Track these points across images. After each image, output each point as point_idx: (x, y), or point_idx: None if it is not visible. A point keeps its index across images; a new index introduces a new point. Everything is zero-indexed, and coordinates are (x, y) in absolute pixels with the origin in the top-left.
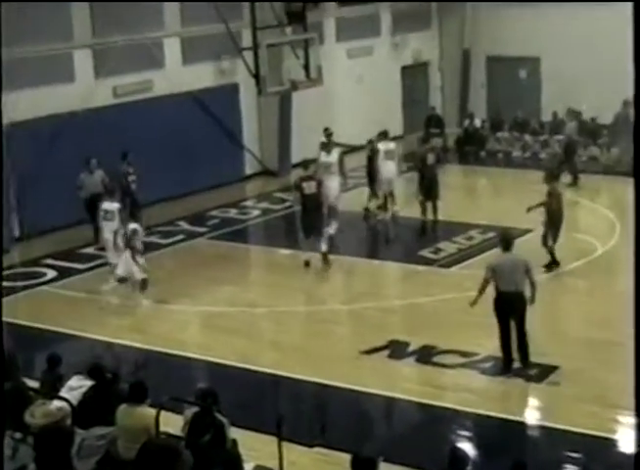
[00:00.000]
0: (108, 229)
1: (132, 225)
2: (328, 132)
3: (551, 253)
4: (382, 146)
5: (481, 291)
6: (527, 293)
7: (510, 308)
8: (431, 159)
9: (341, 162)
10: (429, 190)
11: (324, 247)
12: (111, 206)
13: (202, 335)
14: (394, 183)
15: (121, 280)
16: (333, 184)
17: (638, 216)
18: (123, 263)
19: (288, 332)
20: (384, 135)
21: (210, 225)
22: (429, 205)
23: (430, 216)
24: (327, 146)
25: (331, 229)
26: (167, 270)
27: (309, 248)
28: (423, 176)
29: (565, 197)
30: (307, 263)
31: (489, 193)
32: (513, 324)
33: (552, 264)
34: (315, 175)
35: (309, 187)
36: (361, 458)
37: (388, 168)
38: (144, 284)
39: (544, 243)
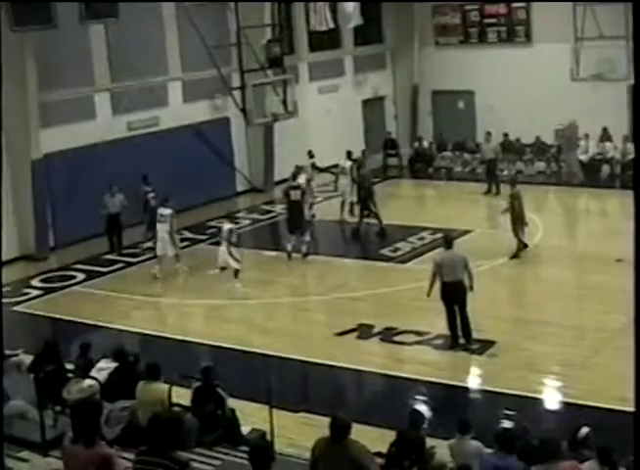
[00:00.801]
0: (162, 229)
1: (228, 225)
2: (311, 154)
3: (520, 241)
4: (349, 164)
5: (432, 283)
6: (467, 282)
7: (453, 295)
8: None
9: (308, 184)
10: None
11: (304, 248)
12: (164, 211)
13: (205, 323)
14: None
15: (222, 269)
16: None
17: (638, 219)
18: (221, 256)
19: (275, 319)
20: (349, 154)
21: (209, 233)
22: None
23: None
24: (299, 171)
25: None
26: (175, 271)
27: (292, 242)
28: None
29: (497, 204)
30: (290, 255)
31: (437, 202)
32: (457, 308)
33: (519, 251)
34: (301, 186)
35: (295, 195)
36: (339, 420)
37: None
38: (236, 273)
39: (515, 235)
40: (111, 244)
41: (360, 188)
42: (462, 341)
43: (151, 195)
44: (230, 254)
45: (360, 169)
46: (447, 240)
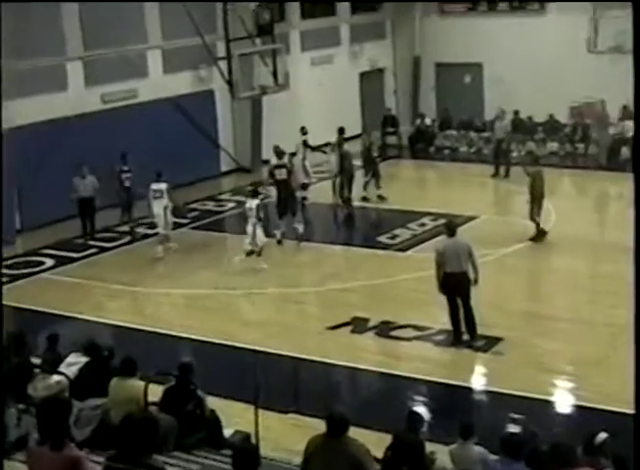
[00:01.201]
0: (158, 205)
1: (255, 201)
2: (304, 131)
3: (537, 225)
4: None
5: (439, 273)
6: (471, 274)
7: (456, 287)
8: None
9: (302, 164)
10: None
11: (300, 228)
12: (159, 186)
13: (186, 315)
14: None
15: (249, 253)
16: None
17: (638, 214)
18: (249, 237)
19: (263, 311)
20: (341, 131)
21: (191, 217)
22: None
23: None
24: (278, 151)
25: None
26: (154, 257)
27: (281, 227)
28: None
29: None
30: (280, 242)
31: (439, 184)
32: (460, 301)
33: (538, 236)
34: (286, 164)
35: (280, 174)
36: (336, 415)
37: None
38: (261, 251)
39: (531, 217)
40: (84, 228)
41: (342, 169)
42: (466, 337)
43: (126, 175)
44: (255, 234)
45: (340, 148)
46: (450, 227)
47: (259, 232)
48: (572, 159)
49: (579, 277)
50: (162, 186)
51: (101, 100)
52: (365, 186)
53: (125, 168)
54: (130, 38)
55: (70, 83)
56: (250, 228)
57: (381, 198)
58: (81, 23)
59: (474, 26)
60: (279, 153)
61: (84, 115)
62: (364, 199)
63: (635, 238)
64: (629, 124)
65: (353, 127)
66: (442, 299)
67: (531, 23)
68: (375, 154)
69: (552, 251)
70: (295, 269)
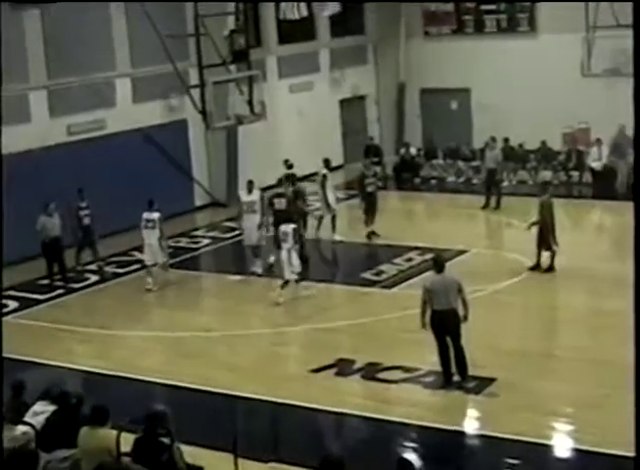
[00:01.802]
0: (150, 236)
1: (290, 225)
2: (288, 164)
3: (552, 255)
4: (328, 174)
5: (424, 311)
6: (461, 311)
7: (445, 326)
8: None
9: (262, 201)
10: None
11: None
12: (151, 215)
13: (159, 359)
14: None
15: (285, 283)
16: (251, 224)
17: (638, 223)
18: (284, 264)
19: (241, 354)
20: (327, 163)
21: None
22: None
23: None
24: (250, 186)
25: (256, 267)
26: (124, 299)
27: (271, 260)
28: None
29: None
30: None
31: (426, 217)
32: (450, 340)
33: (552, 263)
34: (286, 193)
35: (280, 203)
36: (331, 458)
37: (334, 195)
38: (285, 284)
39: (543, 249)
40: (49, 269)
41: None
42: (456, 378)
43: (84, 212)
44: (290, 260)
45: (294, 184)
46: (438, 262)
47: (295, 258)
48: (567, 187)
49: (577, 313)
50: (155, 216)
51: (67, 131)
52: (367, 222)
53: (83, 205)
54: (97, 65)
55: (34, 114)
56: (284, 254)
57: (374, 235)
58: (45, 49)
59: (460, 50)
60: (250, 188)
61: (49, 147)
62: (372, 235)
63: (635, 247)
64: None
65: (335, 158)
66: (431, 338)
67: (521, 45)
68: (373, 185)
69: (548, 285)
70: (273, 309)
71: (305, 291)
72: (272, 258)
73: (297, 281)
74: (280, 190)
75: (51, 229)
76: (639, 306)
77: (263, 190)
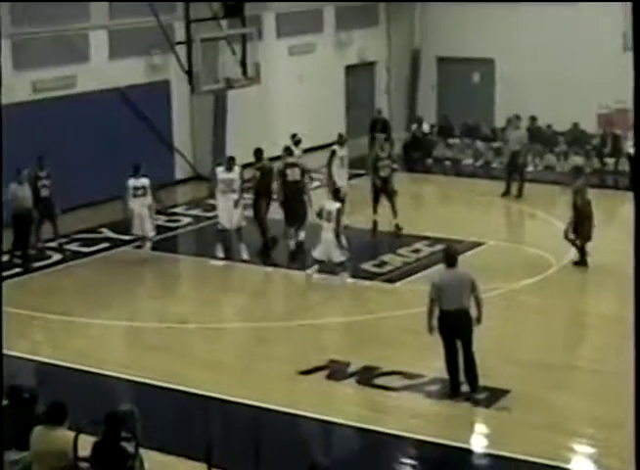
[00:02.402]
0: (139, 204)
1: (335, 204)
2: (296, 139)
3: (582, 249)
4: (339, 150)
5: (431, 311)
6: (474, 312)
7: (455, 328)
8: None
9: (241, 179)
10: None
11: (300, 236)
12: (139, 181)
13: (126, 352)
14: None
15: (320, 262)
16: (229, 205)
17: (638, 219)
18: (323, 245)
19: (220, 350)
20: (340, 138)
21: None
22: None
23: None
24: (230, 162)
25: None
26: (89, 281)
27: (294, 238)
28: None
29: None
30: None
31: (437, 203)
32: (460, 345)
33: (580, 262)
34: (299, 163)
35: (293, 174)
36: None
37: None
38: (342, 265)
39: (574, 240)
40: (16, 243)
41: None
42: (465, 388)
43: (43, 182)
44: (339, 242)
45: (259, 162)
46: (449, 255)
47: (344, 239)
48: (600, 176)
49: (605, 319)
50: (144, 182)
51: (32, 88)
52: (375, 208)
53: (42, 174)
54: (69, 15)
55: None
56: (329, 236)
57: (398, 229)
58: None
59: (486, 14)
60: (230, 166)
61: (10, 105)
62: (397, 229)
63: (635, 245)
64: None
65: (336, 131)
66: (437, 341)
67: (557, 12)
68: (388, 168)
69: (574, 286)
70: (259, 300)
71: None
72: (293, 242)
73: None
74: (292, 159)
75: (23, 198)
76: (639, 306)
77: (252, 164)
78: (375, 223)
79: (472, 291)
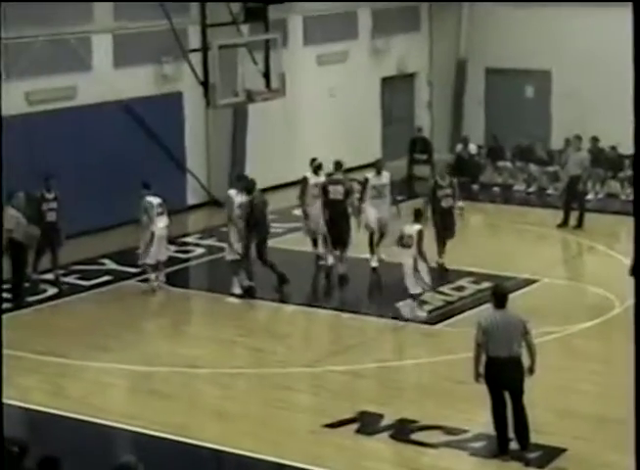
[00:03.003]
0: (163, 225)
1: (416, 226)
2: (316, 164)
3: None
4: (375, 180)
5: (478, 358)
6: (525, 360)
7: (504, 378)
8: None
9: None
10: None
11: (341, 268)
12: (156, 199)
13: (129, 399)
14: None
15: (416, 296)
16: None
17: (638, 223)
18: (411, 277)
19: (235, 399)
20: (378, 165)
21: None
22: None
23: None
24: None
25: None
26: (88, 318)
27: (332, 259)
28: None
29: (577, 242)
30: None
31: (485, 234)
32: (509, 397)
33: None
34: (343, 181)
35: (335, 192)
36: None
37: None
38: (416, 299)
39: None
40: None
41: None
42: (514, 445)
43: (50, 205)
44: (416, 270)
45: (251, 194)
46: (498, 294)
47: (425, 269)
48: None
49: None
50: (160, 200)
51: (25, 100)
52: (440, 248)
53: (49, 196)
54: (69, 16)
55: None
56: (408, 262)
57: (443, 269)
58: None
59: (542, 20)
60: (312, 172)
61: (2, 118)
62: (442, 268)
63: (635, 247)
64: None
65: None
66: (484, 392)
67: (623, 17)
68: (450, 197)
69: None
70: (280, 342)
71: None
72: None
73: (418, 298)
74: (337, 175)
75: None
76: (639, 306)
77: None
78: (441, 266)
79: (523, 336)
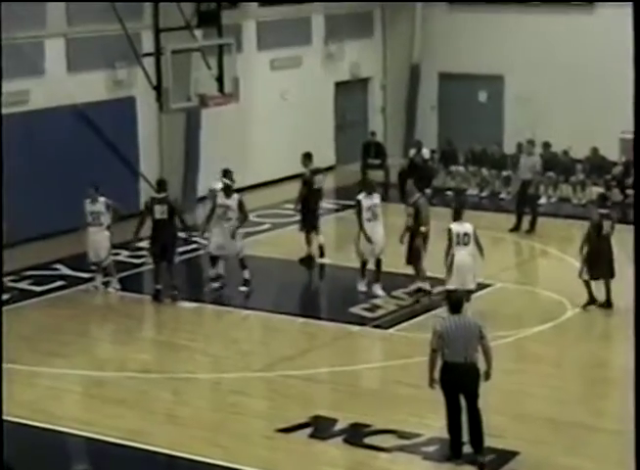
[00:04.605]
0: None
1: (466, 224)
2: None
3: (589, 289)
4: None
5: (433, 363)
6: (482, 365)
7: (460, 383)
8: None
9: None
10: None
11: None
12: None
13: (80, 405)
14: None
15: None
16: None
17: (637, 224)
18: (458, 273)
19: (188, 404)
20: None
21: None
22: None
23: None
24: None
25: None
26: (40, 324)
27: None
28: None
29: (529, 246)
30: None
31: (437, 238)
32: (464, 401)
33: (589, 303)
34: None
35: (319, 181)
36: None
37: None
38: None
39: (581, 276)
40: None
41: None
42: (468, 449)
43: None
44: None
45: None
46: (454, 299)
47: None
48: (622, 209)
49: (625, 372)
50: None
51: None
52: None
53: None
54: (22, 22)
55: None
56: (467, 260)
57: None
58: None
59: (495, 24)
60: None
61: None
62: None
63: (635, 248)
64: None
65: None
66: (437, 395)
67: (573, 22)
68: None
69: (590, 334)
70: (232, 347)
71: None
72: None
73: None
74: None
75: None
76: (639, 307)
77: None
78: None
79: (479, 340)
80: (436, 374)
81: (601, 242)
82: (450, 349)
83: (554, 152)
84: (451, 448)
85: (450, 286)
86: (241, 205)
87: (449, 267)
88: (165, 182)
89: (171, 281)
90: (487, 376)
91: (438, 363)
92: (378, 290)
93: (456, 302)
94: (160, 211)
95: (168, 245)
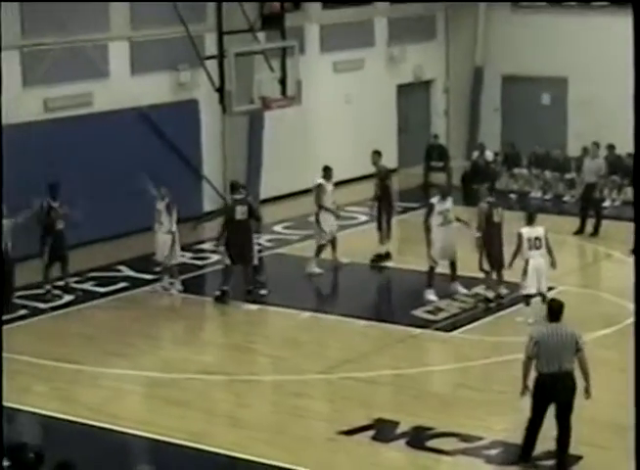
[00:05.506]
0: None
1: (539, 228)
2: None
3: None
4: (440, 205)
5: (527, 373)
6: (580, 378)
7: (554, 393)
8: None
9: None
10: None
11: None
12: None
13: (143, 406)
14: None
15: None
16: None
17: (638, 226)
18: (533, 275)
19: (249, 406)
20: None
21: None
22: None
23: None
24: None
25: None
26: (104, 325)
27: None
28: None
29: (593, 250)
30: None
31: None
32: (556, 414)
33: None
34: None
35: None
36: None
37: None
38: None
39: None
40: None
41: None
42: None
43: (59, 213)
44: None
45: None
46: (554, 307)
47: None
48: None
49: None
50: None
51: (43, 106)
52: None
53: (55, 205)
54: (86, 25)
55: (3, 82)
56: (541, 262)
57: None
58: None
59: (557, 27)
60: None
61: (19, 125)
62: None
63: (635, 246)
64: None
65: (387, 159)
66: (499, 399)
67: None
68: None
69: None
70: (295, 350)
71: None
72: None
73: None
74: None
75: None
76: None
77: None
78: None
79: (577, 351)
80: (529, 382)
81: None
82: (543, 358)
83: (618, 154)
84: (522, 452)
85: (530, 291)
86: (251, 209)
87: (524, 272)
88: (239, 184)
89: (255, 280)
90: (587, 392)
91: (532, 373)
92: (458, 287)
93: (557, 309)
94: (241, 212)
95: (247, 246)
